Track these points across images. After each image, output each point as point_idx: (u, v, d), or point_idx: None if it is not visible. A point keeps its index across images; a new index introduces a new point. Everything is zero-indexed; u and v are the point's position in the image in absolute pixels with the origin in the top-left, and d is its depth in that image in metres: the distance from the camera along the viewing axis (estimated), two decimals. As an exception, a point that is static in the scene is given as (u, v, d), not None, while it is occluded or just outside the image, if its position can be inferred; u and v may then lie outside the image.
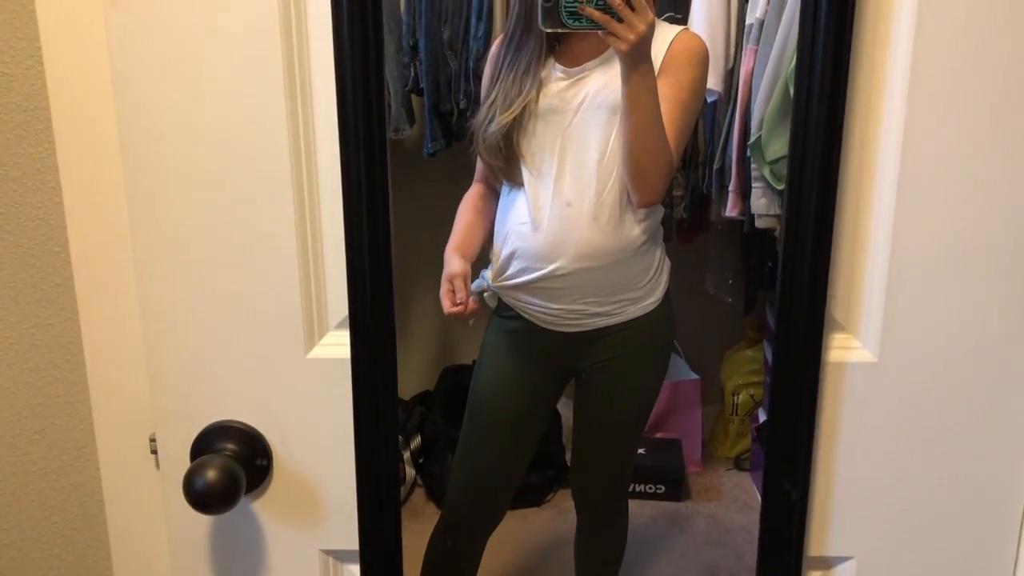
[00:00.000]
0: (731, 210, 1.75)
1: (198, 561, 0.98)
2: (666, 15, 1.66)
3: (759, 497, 0.96)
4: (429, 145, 1.89)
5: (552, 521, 2.08)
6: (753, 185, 1.68)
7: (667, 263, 1.56)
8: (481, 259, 1.58)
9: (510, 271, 1.49)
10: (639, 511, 2.12)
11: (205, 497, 0.86)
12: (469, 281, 1.51)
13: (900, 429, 0.92)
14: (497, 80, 1.46)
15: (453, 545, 1.65)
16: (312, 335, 0.92)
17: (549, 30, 1.18)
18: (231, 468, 0.88)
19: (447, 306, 1.50)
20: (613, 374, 1.57)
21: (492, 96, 1.46)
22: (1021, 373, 0.91)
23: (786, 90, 1.54)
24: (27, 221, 0.95)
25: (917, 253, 0.87)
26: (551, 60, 1.45)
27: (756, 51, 1.62)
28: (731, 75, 1.72)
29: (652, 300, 1.53)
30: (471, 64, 1.85)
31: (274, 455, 0.95)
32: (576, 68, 1.43)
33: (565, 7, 1.15)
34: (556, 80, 1.44)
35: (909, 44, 0.83)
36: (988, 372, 0.91)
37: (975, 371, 0.91)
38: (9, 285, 0.96)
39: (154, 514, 1.00)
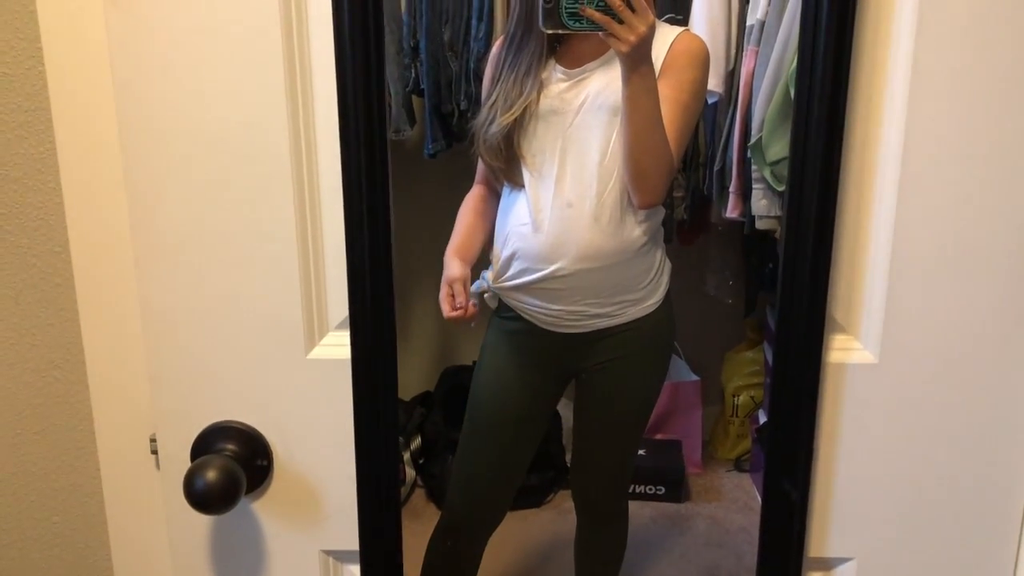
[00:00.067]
0: (732, 211, 1.75)
1: (198, 561, 0.98)
2: (667, 16, 1.66)
3: (759, 498, 0.96)
4: (430, 146, 1.89)
5: (552, 522, 2.08)
6: (754, 186, 1.68)
7: (668, 264, 1.56)
8: (482, 260, 1.58)
9: (511, 272, 1.49)
10: (639, 512, 2.12)
11: (205, 497, 0.86)
12: (468, 285, 1.51)
13: (900, 430, 0.92)
14: (498, 81, 1.46)
15: (453, 546, 1.65)
16: (312, 335, 0.92)
17: (550, 31, 1.19)
18: (231, 468, 0.88)
19: (446, 310, 1.50)
20: (613, 375, 1.57)
21: (493, 97, 1.46)
22: (1021, 374, 0.91)
23: (787, 91, 1.54)
24: (28, 221, 0.95)
25: (918, 254, 0.87)
26: (552, 61, 1.45)
27: (757, 52, 1.62)
28: (732, 76, 1.72)
29: (653, 301, 1.53)
30: (472, 65, 1.85)
31: (274, 455, 0.95)
32: (577, 69, 1.44)
33: (566, 8, 1.15)
34: (557, 81, 1.44)
35: (910, 45, 0.83)
36: (988, 373, 0.91)
37: (975, 372, 0.91)
38: (10, 285, 0.97)
39: (154, 514, 1.00)
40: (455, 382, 2.13)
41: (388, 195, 0.87)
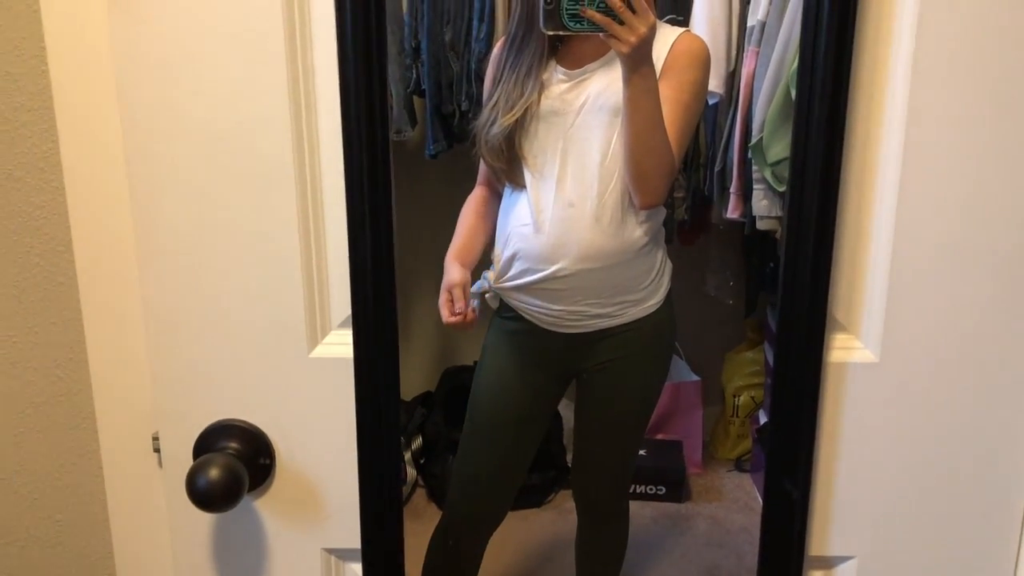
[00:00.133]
0: (732, 212, 1.75)
1: (200, 559, 0.98)
2: (667, 17, 1.66)
3: (760, 498, 0.96)
4: (431, 146, 1.90)
5: (553, 522, 2.08)
6: (754, 187, 1.68)
7: (669, 265, 1.56)
8: (483, 261, 1.58)
9: (512, 272, 1.50)
10: (640, 512, 2.12)
11: (208, 495, 0.86)
12: (468, 291, 1.51)
13: (901, 429, 0.93)
14: (499, 82, 1.47)
15: (454, 546, 1.65)
16: (315, 334, 0.92)
17: (551, 32, 1.19)
18: (234, 467, 0.88)
19: (445, 315, 1.50)
20: (614, 375, 1.57)
21: (494, 98, 1.47)
22: (1022, 373, 0.91)
23: (787, 92, 1.54)
24: (31, 221, 0.95)
25: (919, 253, 0.88)
26: (553, 62, 1.45)
27: (757, 53, 1.63)
28: (732, 77, 1.72)
29: (654, 302, 1.53)
30: (473, 66, 1.86)
31: (276, 454, 0.95)
32: (578, 70, 1.44)
33: (566, 9, 1.15)
34: (558, 82, 1.44)
35: (911, 45, 0.83)
36: (989, 372, 0.91)
37: (976, 371, 0.91)
38: (13, 284, 0.97)
39: (157, 512, 1.00)
40: (456, 382, 2.13)
41: (390, 195, 0.87)
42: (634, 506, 1.79)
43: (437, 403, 2.18)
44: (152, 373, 0.93)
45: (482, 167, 1.58)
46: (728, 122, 1.74)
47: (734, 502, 2.16)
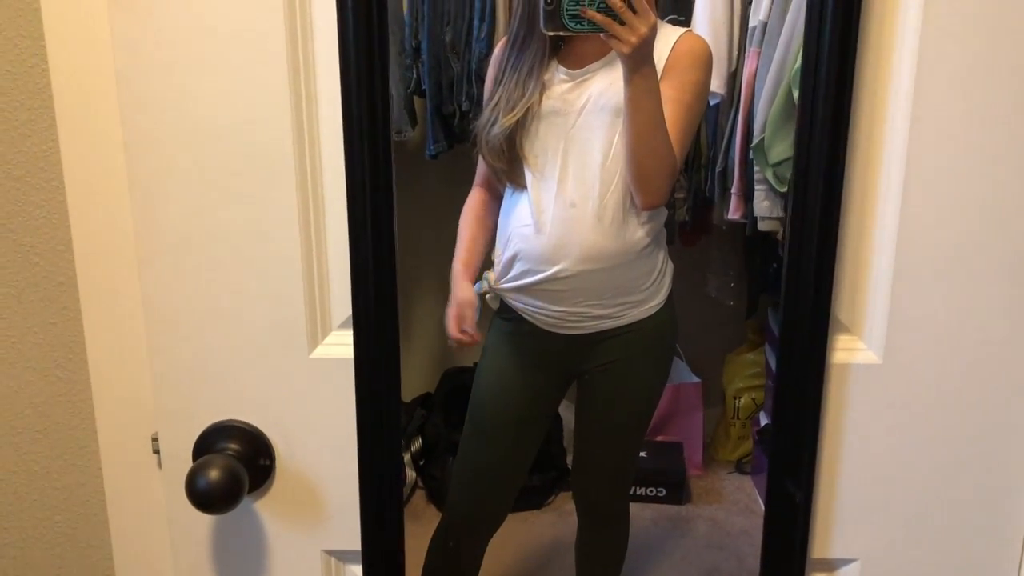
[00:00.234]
0: (733, 213, 1.75)
1: (200, 561, 0.98)
2: (669, 17, 1.66)
3: (760, 501, 0.96)
4: (431, 147, 1.89)
5: (553, 524, 2.07)
6: (756, 188, 1.68)
7: (670, 266, 1.56)
8: (483, 263, 1.58)
9: (512, 273, 1.49)
10: (640, 514, 2.12)
11: (207, 497, 0.86)
12: (476, 311, 1.52)
13: (904, 431, 0.92)
14: (500, 82, 1.46)
15: (454, 547, 1.64)
16: (315, 335, 0.92)
17: (551, 33, 1.19)
18: (233, 468, 0.88)
19: (453, 331, 1.52)
20: (615, 377, 1.57)
21: (495, 98, 1.46)
22: (1025, 375, 0.91)
23: (789, 93, 1.54)
24: (30, 220, 0.95)
25: (922, 254, 0.87)
26: (554, 62, 1.45)
27: (759, 53, 1.62)
28: (734, 78, 1.72)
29: (655, 303, 1.53)
30: (474, 66, 1.85)
31: (277, 455, 0.94)
32: (579, 70, 1.44)
33: (567, 10, 1.15)
34: (559, 82, 1.44)
35: (915, 44, 0.83)
36: (993, 373, 0.91)
37: (980, 372, 0.91)
38: (12, 284, 0.96)
39: (156, 513, 1.00)
40: (456, 383, 2.13)
41: (392, 195, 0.87)
42: (634, 508, 1.79)
43: (437, 404, 2.18)
44: (152, 373, 0.93)
45: (480, 168, 1.57)
46: (729, 123, 1.74)
47: (734, 504, 2.16)
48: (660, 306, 1.54)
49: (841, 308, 0.90)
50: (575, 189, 1.43)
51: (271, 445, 0.94)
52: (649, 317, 1.53)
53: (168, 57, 0.84)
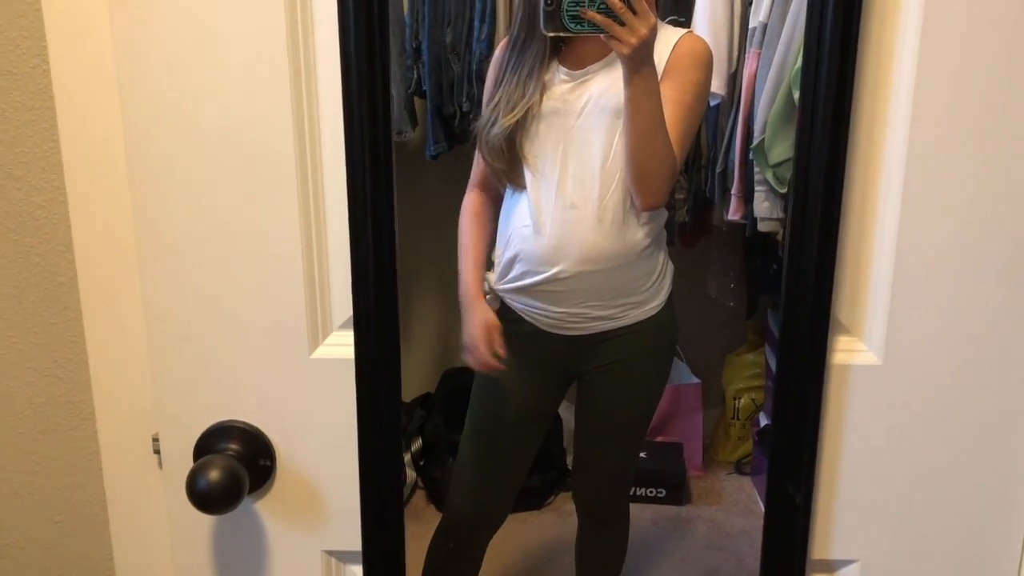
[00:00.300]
0: (734, 214, 1.75)
1: (200, 561, 0.98)
2: (669, 18, 1.66)
3: (760, 501, 0.96)
4: (432, 148, 1.90)
5: (553, 524, 2.07)
6: (756, 189, 1.68)
7: (670, 267, 1.56)
8: (484, 263, 1.58)
9: (512, 274, 1.49)
10: (640, 515, 2.12)
11: (208, 497, 0.86)
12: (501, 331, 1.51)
13: (904, 432, 0.92)
14: (500, 82, 1.47)
15: (454, 548, 1.64)
16: (316, 335, 0.92)
17: (551, 34, 1.19)
18: (234, 468, 0.88)
19: (485, 356, 1.50)
20: (615, 378, 1.57)
21: (495, 98, 1.46)
22: (1025, 376, 0.91)
23: (789, 93, 1.54)
24: (31, 220, 0.95)
25: (922, 255, 0.87)
26: (555, 63, 1.45)
27: (759, 54, 1.62)
28: (734, 78, 1.72)
29: (655, 304, 1.53)
30: (474, 67, 1.86)
31: (277, 455, 0.94)
32: (580, 71, 1.44)
33: (567, 11, 1.15)
34: (560, 83, 1.44)
35: (915, 44, 0.83)
36: (993, 375, 0.91)
37: (980, 374, 0.91)
38: (13, 284, 0.96)
39: (157, 514, 1.00)
40: (456, 384, 2.13)
41: (392, 195, 0.87)
42: (634, 508, 1.79)
43: (437, 405, 2.18)
44: (152, 374, 0.93)
45: (475, 169, 1.57)
46: (729, 123, 1.74)
47: (734, 505, 2.16)
48: (660, 307, 1.54)
49: (841, 309, 0.90)
50: (575, 190, 1.43)
51: (271, 445, 0.94)
52: (649, 318, 1.53)
53: (169, 58, 0.84)
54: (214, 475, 0.86)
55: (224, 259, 0.89)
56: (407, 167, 1.92)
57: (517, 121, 1.43)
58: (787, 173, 1.58)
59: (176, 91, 0.85)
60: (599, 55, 1.43)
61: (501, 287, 1.52)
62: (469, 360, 1.54)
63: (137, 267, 0.90)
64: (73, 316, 0.97)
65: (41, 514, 1.04)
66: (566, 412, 1.84)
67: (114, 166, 0.91)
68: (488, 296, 1.55)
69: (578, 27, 1.17)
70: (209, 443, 0.93)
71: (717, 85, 1.66)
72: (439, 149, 1.90)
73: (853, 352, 0.91)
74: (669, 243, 1.58)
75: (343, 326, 0.92)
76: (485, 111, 1.49)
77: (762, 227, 1.69)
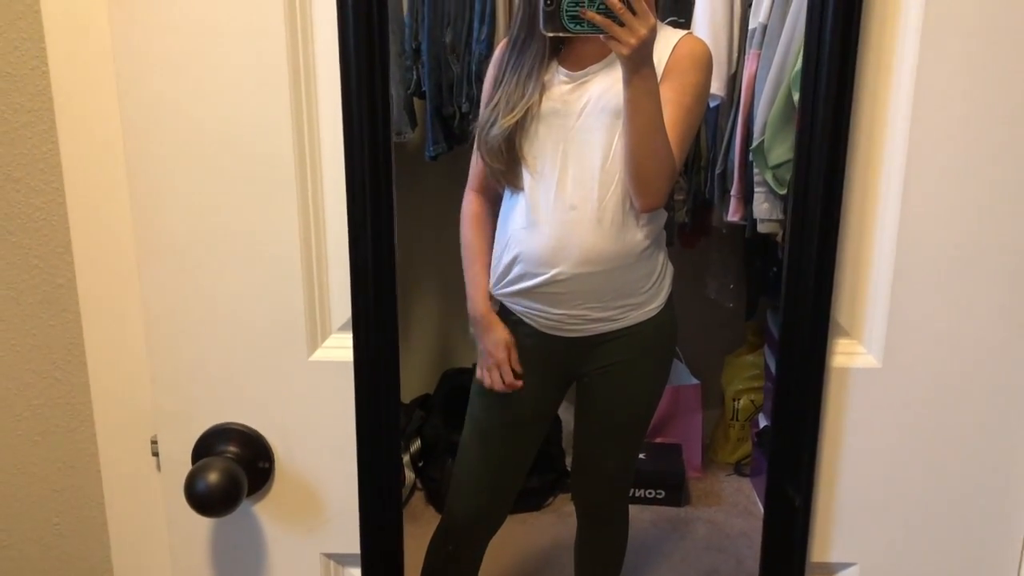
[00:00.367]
0: (733, 215, 1.75)
1: (199, 563, 0.97)
2: (669, 19, 1.66)
3: (759, 502, 0.96)
4: (431, 148, 1.90)
5: (552, 525, 2.07)
6: (755, 190, 1.68)
7: (670, 268, 1.56)
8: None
9: (511, 276, 1.49)
10: (639, 516, 2.12)
11: (206, 499, 0.86)
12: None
13: (904, 435, 0.92)
14: (500, 83, 1.46)
15: (453, 549, 1.64)
16: (315, 337, 0.92)
17: (551, 34, 1.19)
18: (232, 470, 0.88)
19: (508, 377, 1.52)
20: (615, 379, 1.57)
21: (495, 99, 1.46)
22: (1025, 379, 0.91)
23: (789, 95, 1.54)
24: (30, 222, 0.95)
25: (922, 258, 0.87)
26: (554, 63, 1.45)
27: (759, 56, 1.62)
28: (734, 80, 1.72)
29: (655, 305, 1.53)
30: (474, 68, 1.86)
31: (276, 458, 0.94)
32: (579, 72, 1.43)
33: (566, 11, 1.15)
34: (559, 83, 1.44)
35: (915, 46, 0.82)
36: (992, 378, 0.91)
37: (979, 377, 0.91)
38: (11, 286, 0.96)
39: (155, 516, 1.00)
40: (455, 384, 2.13)
41: (392, 197, 0.86)
42: (633, 510, 1.79)
43: (436, 406, 2.18)
44: (151, 376, 0.93)
45: (473, 171, 1.56)
46: (729, 125, 1.74)
47: (733, 506, 2.16)
48: (660, 308, 1.54)
49: (841, 312, 0.90)
50: (575, 191, 1.42)
51: (270, 448, 0.94)
52: (649, 319, 1.53)
53: (168, 59, 0.84)
54: (213, 477, 0.86)
55: (223, 260, 0.89)
56: (407, 168, 1.92)
57: (516, 122, 1.43)
58: (787, 174, 1.58)
59: (175, 92, 0.85)
60: (599, 56, 1.42)
61: (500, 290, 1.52)
62: (488, 381, 1.54)
63: (136, 269, 0.90)
64: (72, 318, 0.97)
65: (39, 516, 1.04)
66: (565, 413, 1.84)
67: (113, 168, 0.90)
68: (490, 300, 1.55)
69: (577, 27, 1.17)
70: (208, 445, 0.93)
71: (717, 86, 1.66)
72: (438, 150, 1.90)
73: (852, 355, 0.91)
74: (669, 244, 1.58)
75: (342, 328, 0.92)
76: (484, 111, 1.48)
77: (762, 228, 1.69)
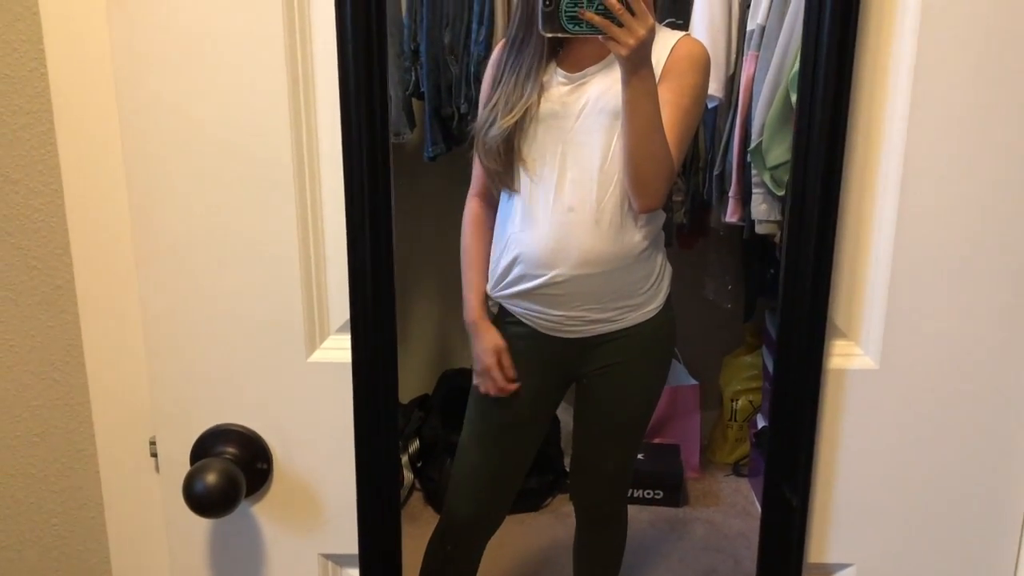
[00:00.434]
0: (731, 216, 1.75)
1: (197, 564, 0.97)
2: (667, 20, 1.66)
3: (757, 503, 0.96)
4: (430, 149, 1.90)
5: (550, 526, 2.08)
6: (753, 191, 1.68)
7: (668, 269, 1.56)
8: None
9: (510, 278, 1.49)
10: (637, 516, 2.12)
11: (205, 500, 0.86)
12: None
13: (901, 436, 0.92)
14: (499, 84, 1.46)
15: (452, 550, 1.64)
16: (313, 339, 0.92)
17: (549, 35, 1.19)
18: (231, 471, 0.88)
19: (501, 382, 1.52)
20: (614, 380, 1.57)
21: (493, 100, 1.46)
22: (1022, 380, 0.91)
23: (787, 96, 1.54)
24: (29, 223, 0.95)
25: (919, 259, 0.87)
26: (553, 65, 1.45)
27: (757, 57, 1.63)
28: (732, 81, 1.72)
29: (653, 306, 1.53)
30: (472, 68, 1.86)
31: (274, 459, 0.94)
32: (578, 73, 1.43)
33: (565, 12, 1.15)
34: (558, 85, 1.44)
35: (913, 48, 0.83)
36: (989, 379, 0.91)
37: (976, 378, 0.91)
38: (10, 287, 0.96)
39: (154, 517, 1.00)
40: (453, 385, 2.13)
41: (390, 198, 0.86)
42: (632, 510, 1.79)
43: (435, 406, 2.18)
44: (150, 377, 0.93)
45: (476, 175, 1.56)
46: (727, 126, 1.74)
47: (731, 507, 2.16)
48: (658, 309, 1.54)
49: (838, 313, 0.90)
50: (573, 193, 1.42)
51: (268, 449, 0.94)
52: (647, 320, 1.53)
53: (167, 61, 0.84)
54: (211, 478, 0.86)
55: (221, 262, 0.89)
56: (405, 169, 1.93)
57: (515, 123, 1.43)
58: (784, 175, 1.58)
59: (174, 94, 0.85)
60: (597, 57, 1.42)
61: (499, 292, 1.52)
62: (483, 386, 1.54)
63: (134, 270, 0.90)
64: (70, 319, 0.97)
65: (38, 517, 1.04)
66: (564, 414, 1.84)
67: (111, 169, 0.91)
68: (489, 302, 1.55)
69: (576, 28, 1.17)
70: (206, 446, 0.93)
71: (715, 88, 1.66)
72: (437, 151, 1.90)
73: (850, 356, 0.91)
74: (667, 245, 1.58)
75: (340, 329, 0.92)
76: (483, 112, 1.48)
77: (760, 229, 1.69)
